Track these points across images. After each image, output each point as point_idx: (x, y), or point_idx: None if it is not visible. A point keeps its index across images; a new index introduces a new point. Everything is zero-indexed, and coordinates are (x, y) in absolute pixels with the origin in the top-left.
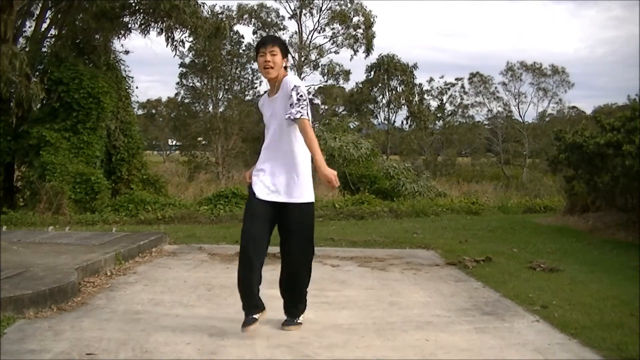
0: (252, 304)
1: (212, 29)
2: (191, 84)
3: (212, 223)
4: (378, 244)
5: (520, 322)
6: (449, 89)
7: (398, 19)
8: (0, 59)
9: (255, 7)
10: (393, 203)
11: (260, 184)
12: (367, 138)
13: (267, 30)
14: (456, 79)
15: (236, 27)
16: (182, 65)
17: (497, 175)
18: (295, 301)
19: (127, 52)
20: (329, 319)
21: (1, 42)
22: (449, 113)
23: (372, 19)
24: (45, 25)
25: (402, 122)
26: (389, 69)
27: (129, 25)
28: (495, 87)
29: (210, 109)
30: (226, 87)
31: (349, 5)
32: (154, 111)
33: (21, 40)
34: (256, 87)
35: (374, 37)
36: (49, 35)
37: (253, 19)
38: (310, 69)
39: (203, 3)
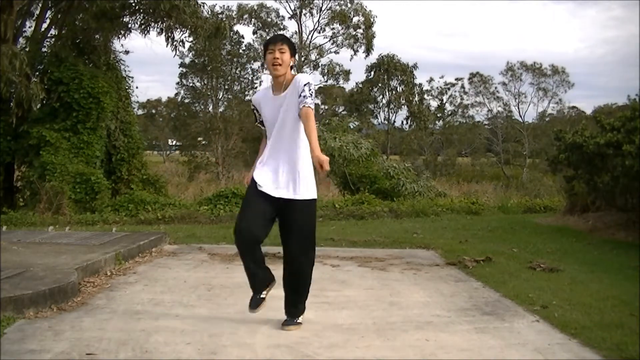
0: (257, 283)
1: (212, 29)
2: (191, 84)
3: (212, 223)
4: (378, 244)
5: (520, 322)
6: (449, 89)
7: (398, 19)
8: (0, 59)
9: (255, 7)
10: (393, 203)
11: (264, 178)
12: (367, 138)
13: (267, 30)
14: (456, 79)
15: (236, 27)
16: (182, 65)
17: (497, 175)
18: (296, 301)
19: (127, 52)
20: (329, 319)
21: (1, 42)
22: (449, 113)
23: (372, 19)
24: (45, 25)
25: (402, 122)
26: (389, 69)
27: (129, 25)
28: (495, 87)
29: (210, 109)
30: (226, 87)
31: (349, 5)
32: (154, 111)
33: (21, 40)
34: (256, 87)
35: (374, 37)
36: (49, 35)
37: (253, 19)
38: (310, 69)
39: (203, 3)
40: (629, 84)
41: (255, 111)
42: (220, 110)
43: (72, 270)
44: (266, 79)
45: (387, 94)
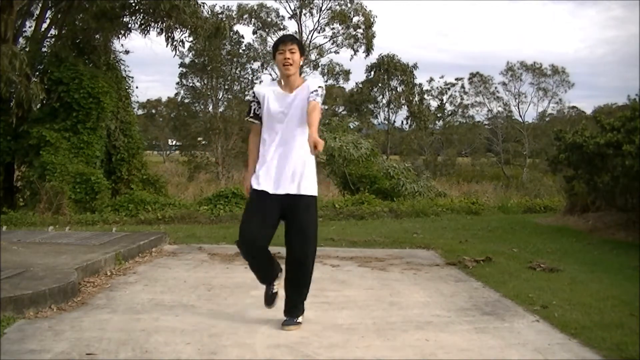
0: (265, 276)
1: (212, 29)
2: (191, 84)
3: (212, 223)
4: (378, 244)
5: (520, 322)
6: (449, 89)
7: (398, 19)
8: (0, 59)
9: (255, 7)
10: (393, 203)
11: (266, 179)
12: (367, 138)
13: (267, 30)
14: (456, 79)
15: (236, 27)
16: (182, 65)
17: (497, 175)
18: (296, 301)
19: (127, 52)
20: (329, 319)
21: (1, 42)
22: (449, 113)
23: (372, 19)
24: (45, 25)
25: (402, 122)
26: (389, 69)
27: (129, 25)
28: (495, 87)
29: (210, 109)
30: (226, 87)
31: (349, 5)
32: (154, 111)
33: (21, 40)
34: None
35: (374, 37)
36: (49, 35)
37: (253, 19)
38: (310, 69)
39: (203, 3)
40: (629, 84)
41: (254, 103)
42: (220, 110)
43: (72, 270)
44: (266, 78)
45: (387, 94)
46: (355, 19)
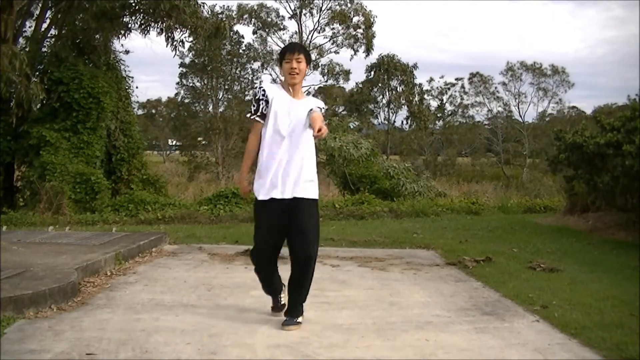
0: (272, 290)
1: (212, 29)
2: (191, 84)
3: (212, 223)
4: (378, 244)
5: (520, 322)
6: (449, 89)
7: (398, 19)
8: (0, 59)
9: (255, 7)
10: (393, 203)
11: (270, 185)
12: (367, 138)
13: (267, 30)
14: (456, 79)
15: (236, 27)
16: (182, 65)
17: (497, 175)
18: (296, 301)
19: (127, 52)
20: (329, 319)
21: (1, 42)
22: (449, 113)
23: (372, 19)
24: (45, 25)
25: (402, 122)
26: (389, 69)
27: (129, 25)
28: (495, 87)
29: (210, 109)
30: (226, 87)
31: (349, 5)
32: (154, 111)
33: (21, 40)
34: (256, 87)
35: (374, 37)
36: (49, 35)
37: (253, 19)
38: (310, 69)
39: (203, 3)
40: (629, 84)
41: (263, 101)
42: (220, 110)
43: (72, 270)
44: (266, 78)
45: (387, 94)
46: (355, 19)
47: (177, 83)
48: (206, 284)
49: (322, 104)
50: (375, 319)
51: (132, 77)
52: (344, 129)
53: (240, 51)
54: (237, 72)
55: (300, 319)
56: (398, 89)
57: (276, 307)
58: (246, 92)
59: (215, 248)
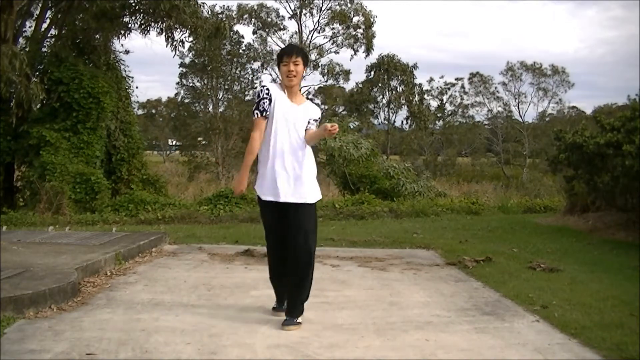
0: (282, 296)
1: (212, 29)
2: (191, 84)
3: (212, 223)
4: (378, 244)
5: (520, 322)
6: (449, 89)
7: (398, 19)
8: (0, 59)
9: (255, 7)
10: (393, 203)
11: (272, 190)
12: (367, 138)
13: (267, 30)
14: (456, 79)
15: (236, 27)
16: (182, 65)
17: (497, 175)
18: (296, 301)
19: (127, 52)
20: (329, 319)
21: (1, 42)
22: (449, 113)
23: (372, 19)
24: (45, 25)
25: (402, 122)
26: (389, 69)
27: (129, 25)
28: (495, 87)
29: (210, 109)
30: (226, 87)
31: (349, 5)
32: (154, 111)
33: (21, 40)
34: (256, 87)
35: (374, 37)
36: (49, 35)
37: (253, 19)
38: (310, 69)
39: (203, 3)
40: (629, 84)
41: (266, 100)
42: (220, 110)
43: (72, 270)
44: (266, 78)
45: (387, 94)
46: (355, 19)
47: (177, 83)
48: (206, 284)
49: (319, 114)
50: (375, 319)
51: (132, 77)
52: (344, 129)
53: (240, 51)
54: (237, 72)
55: (300, 319)
56: (398, 89)
57: (278, 308)
58: (246, 92)
59: (215, 248)
